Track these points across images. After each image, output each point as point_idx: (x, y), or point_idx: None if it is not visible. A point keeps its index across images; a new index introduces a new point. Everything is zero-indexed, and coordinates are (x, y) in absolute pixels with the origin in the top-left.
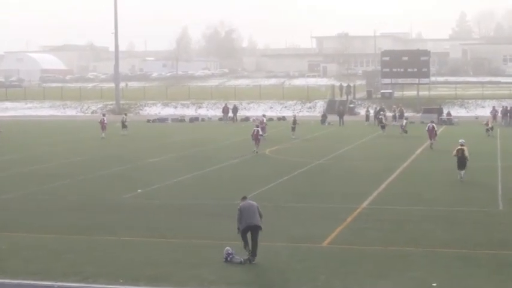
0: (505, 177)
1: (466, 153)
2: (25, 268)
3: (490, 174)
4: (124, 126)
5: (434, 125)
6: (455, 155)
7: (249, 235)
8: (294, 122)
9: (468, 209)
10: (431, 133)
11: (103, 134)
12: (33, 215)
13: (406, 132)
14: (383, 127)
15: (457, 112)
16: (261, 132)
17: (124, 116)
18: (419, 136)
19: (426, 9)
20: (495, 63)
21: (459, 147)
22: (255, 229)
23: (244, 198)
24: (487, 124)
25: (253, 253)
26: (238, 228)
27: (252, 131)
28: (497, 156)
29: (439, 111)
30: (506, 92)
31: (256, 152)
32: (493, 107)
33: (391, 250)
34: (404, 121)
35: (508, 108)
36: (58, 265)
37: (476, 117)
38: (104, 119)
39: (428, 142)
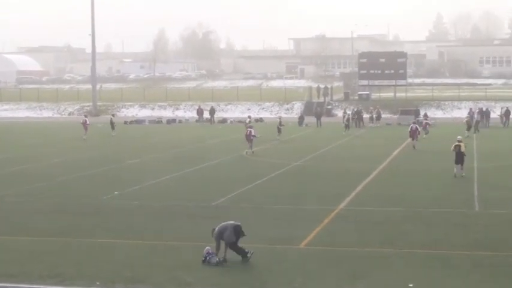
0: (481, 178)
1: (463, 148)
2: (1, 270)
3: (466, 175)
4: (113, 127)
5: (417, 125)
6: (453, 150)
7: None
8: (280, 123)
9: (445, 210)
10: (414, 134)
11: (84, 136)
12: (9, 217)
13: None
14: (346, 126)
15: (434, 114)
16: (253, 133)
17: (112, 117)
18: (397, 137)
19: (403, 11)
20: (471, 65)
21: (456, 143)
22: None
23: (213, 230)
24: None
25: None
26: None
27: (246, 132)
28: (474, 158)
29: (416, 113)
30: (482, 94)
31: (252, 152)
32: (470, 109)
33: (368, 251)
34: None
35: (484, 110)
36: (35, 267)
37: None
38: (86, 120)
39: (410, 142)
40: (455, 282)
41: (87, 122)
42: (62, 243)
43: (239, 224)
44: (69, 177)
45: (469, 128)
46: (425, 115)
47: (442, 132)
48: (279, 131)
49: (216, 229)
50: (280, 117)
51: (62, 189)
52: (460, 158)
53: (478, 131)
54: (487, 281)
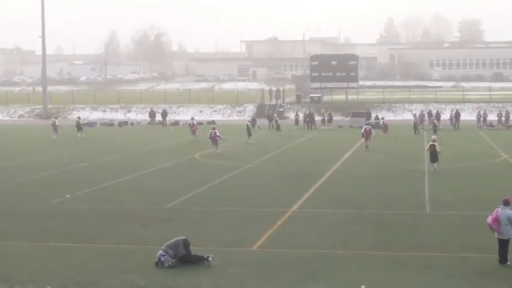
0: (431, 180)
1: (438, 148)
2: None
3: (417, 177)
4: (80, 128)
5: (370, 127)
6: (427, 150)
7: None
8: (253, 123)
9: (396, 212)
10: (368, 135)
11: (55, 137)
12: None
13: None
14: (277, 127)
15: (385, 116)
16: (218, 134)
17: (78, 119)
18: (349, 139)
19: (354, 14)
20: (422, 67)
21: (431, 143)
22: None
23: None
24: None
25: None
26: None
27: (209, 133)
28: (425, 160)
29: (368, 115)
30: (433, 96)
31: (218, 153)
32: (421, 111)
33: (321, 253)
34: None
35: (434, 112)
36: None
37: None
38: (55, 121)
39: (363, 143)
40: (408, 283)
41: (57, 123)
42: (12, 247)
43: (185, 237)
44: (18, 180)
45: (435, 131)
46: (377, 117)
47: (393, 134)
48: (249, 134)
49: (164, 249)
50: (249, 121)
51: (12, 192)
52: (434, 157)
53: (418, 133)
54: (439, 282)
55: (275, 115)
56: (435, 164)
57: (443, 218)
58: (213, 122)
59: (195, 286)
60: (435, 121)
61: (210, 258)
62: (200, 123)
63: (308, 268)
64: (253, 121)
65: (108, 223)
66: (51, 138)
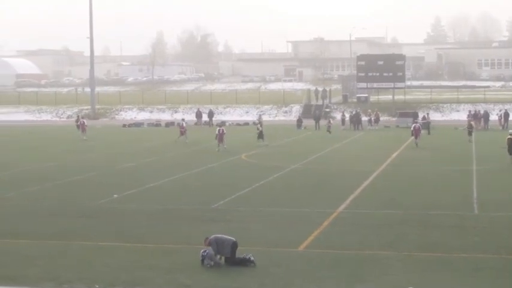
0: (480, 181)
1: None
2: None
3: (465, 177)
4: (81, 129)
5: (419, 125)
6: (507, 144)
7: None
8: (299, 124)
9: (443, 213)
10: (417, 132)
11: (84, 137)
12: (7, 220)
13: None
14: (328, 128)
15: (432, 116)
16: (225, 132)
17: (82, 119)
18: (396, 140)
19: (401, 13)
20: (470, 67)
21: (509, 136)
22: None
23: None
24: (469, 127)
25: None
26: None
27: (217, 130)
28: (473, 160)
29: (415, 115)
30: (481, 96)
31: (224, 148)
32: (469, 111)
33: (367, 254)
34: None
35: (482, 112)
36: (32, 271)
37: (456, 128)
38: (83, 121)
39: (410, 143)
40: (455, 285)
41: (85, 124)
42: (60, 246)
43: (235, 240)
44: (65, 180)
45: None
46: (424, 117)
47: (441, 134)
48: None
49: (212, 238)
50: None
51: (59, 192)
52: None
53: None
54: (487, 284)
55: (330, 119)
56: None
57: (492, 220)
58: (223, 123)
59: (240, 286)
60: (472, 122)
61: (252, 258)
62: (158, 124)
63: (354, 269)
64: (299, 121)
65: (154, 223)
66: (80, 138)
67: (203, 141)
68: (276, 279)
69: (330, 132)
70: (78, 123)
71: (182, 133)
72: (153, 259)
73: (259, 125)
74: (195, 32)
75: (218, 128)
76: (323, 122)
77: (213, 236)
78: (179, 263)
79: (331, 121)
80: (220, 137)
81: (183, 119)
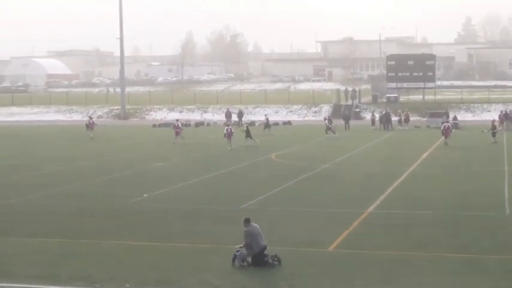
0: None
1: None
2: (31, 272)
3: (496, 178)
4: (91, 128)
5: (449, 124)
6: None
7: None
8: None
9: (475, 214)
10: (447, 132)
11: (91, 134)
12: (38, 220)
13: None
14: (329, 129)
15: (463, 116)
16: (233, 131)
17: (89, 118)
18: (427, 140)
19: (431, 13)
20: (501, 67)
21: None
22: (264, 250)
23: (247, 221)
24: (493, 127)
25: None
26: (248, 254)
27: (226, 130)
28: (504, 161)
29: (446, 115)
30: None
31: (232, 148)
32: (501, 111)
33: (397, 255)
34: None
35: (508, 112)
36: (64, 269)
37: (482, 131)
38: (92, 121)
39: (441, 143)
40: (486, 287)
41: (94, 123)
42: (90, 246)
43: (266, 245)
44: (96, 180)
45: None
46: (455, 117)
47: (471, 134)
48: (265, 130)
49: (250, 230)
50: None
51: (89, 191)
52: None
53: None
54: None
55: (327, 121)
56: None
57: None
58: (229, 123)
59: (270, 286)
60: (495, 123)
61: (275, 258)
62: (187, 125)
63: (384, 270)
64: (329, 121)
65: (184, 223)
66: (87, 137)
67: (232, 141)
68: (306, 280)
69: (334, 132)
70: (89, 122)
71: (177, 133)
72: (183, 258)
73: (245, 125)
74: (224, 32)
75: (226, 128)
76: (354, 122)
77: (253, 228)
78: (209, 263)
79: (331, 123)
80: (228, 136)
81: (177, 120)
